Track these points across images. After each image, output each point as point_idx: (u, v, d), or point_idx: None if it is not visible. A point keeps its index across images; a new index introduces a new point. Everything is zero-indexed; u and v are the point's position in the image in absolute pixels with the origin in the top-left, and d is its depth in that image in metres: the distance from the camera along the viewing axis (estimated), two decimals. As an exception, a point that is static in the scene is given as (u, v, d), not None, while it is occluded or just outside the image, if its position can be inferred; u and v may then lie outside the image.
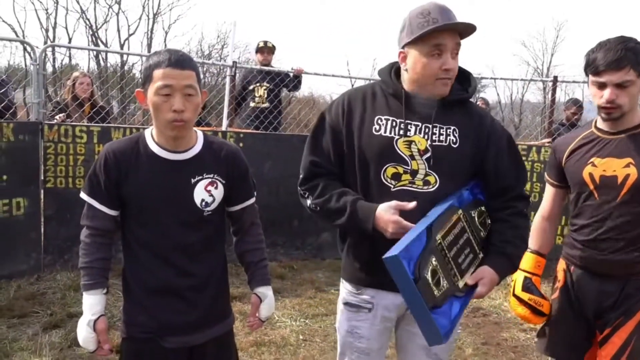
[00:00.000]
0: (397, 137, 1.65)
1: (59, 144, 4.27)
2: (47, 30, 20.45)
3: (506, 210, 1.72)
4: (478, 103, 7.58)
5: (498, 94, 26.05)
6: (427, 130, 1.64)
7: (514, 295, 2.06)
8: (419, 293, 1.40)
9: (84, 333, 1.60)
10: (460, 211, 1.63)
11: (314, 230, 5.11)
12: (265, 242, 1.86)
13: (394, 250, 1.41)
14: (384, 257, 1.41)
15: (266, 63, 5.91)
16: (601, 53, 1.78)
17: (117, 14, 21.29)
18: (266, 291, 1.78)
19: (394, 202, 1.59)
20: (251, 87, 5.90)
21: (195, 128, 1.68)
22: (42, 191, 4.28)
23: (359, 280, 1.77)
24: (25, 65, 17.54)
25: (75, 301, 3.74)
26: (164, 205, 1.60)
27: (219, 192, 1.66)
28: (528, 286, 2.03)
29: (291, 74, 5.79)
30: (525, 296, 2.02)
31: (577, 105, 5.91)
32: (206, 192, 1.64)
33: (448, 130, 1.65)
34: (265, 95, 5.81)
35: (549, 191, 2.12)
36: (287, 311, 3.86)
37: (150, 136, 1.64)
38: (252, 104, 5.87)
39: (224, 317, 1.75)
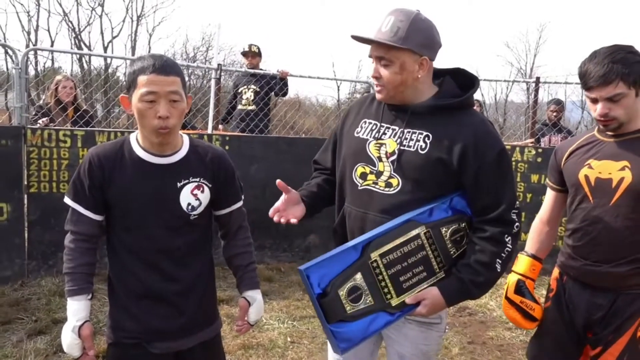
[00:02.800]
0: (370, 139, 1.73)
1: (43, 148, 4.22)
2: (29, 33, 20.19)
3: (478, 232, 1.65)
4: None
5: (482, 95, 26.30)
6: (400, 134, 1.68)
7: (506, 297, 2.03)
8: (319, 307, 1.50)
9: (69, 339, 1.59)
10: (422, 227, 1.60)
11: (301, 233, 5.11)
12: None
13: (306, 264, 1.51)
14: (298, 268, 1.53)
15: (252, 66, 5.93)
16: (591, 66, 1.76)
17: (101, 17, 21.08)
18: (255, 295, 1.78)
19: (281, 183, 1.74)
20: (239, 90, 5.92)
21: (180, 132, 1.68)
22: (25, 196, 4.23)
23: None
24: (7, 69, 17.32)
25: (60, 307, 3.70)
26: (149, 210, 1.59)
27: (205, 196, 1.66)
28: (521, 289, 2.00)
29: (277, 77, 5.80)
30: (517, 299, 1.99)
31: (558, 105, 6.00)
32: (192, 196, 1.63)
33: (420, 136, 1.65)
34: (252, 98, 5.82)
35: (549, 195, 2.10)
36: (275, 314, 3.86)
37: (136, 140, 1.63)
38: (239, 107, 5.90)
39: (210, 322, 1.75)
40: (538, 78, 5.80)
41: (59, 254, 4.32)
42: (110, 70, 19.39)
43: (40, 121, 4.59)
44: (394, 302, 1.55)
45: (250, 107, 5.81)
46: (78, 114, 4.84)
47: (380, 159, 1.69)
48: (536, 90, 5.78)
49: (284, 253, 5.12)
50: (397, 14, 1.62)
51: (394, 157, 1.66)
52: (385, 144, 1.69)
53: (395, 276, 1.56)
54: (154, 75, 1.50)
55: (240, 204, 1.79)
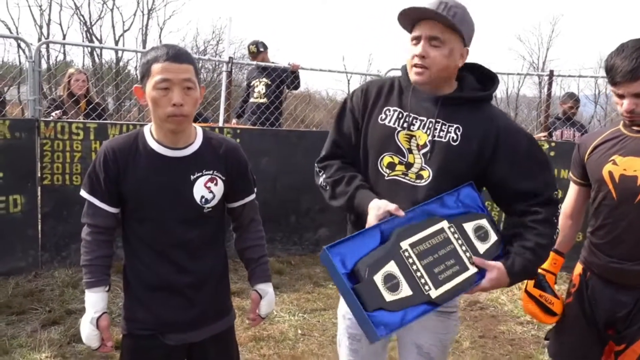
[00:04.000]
0: (399, 129, 1.68)
1: (56, 141, 4.26)
2: (41, 27, 20.32)
3: (531, 215, 1.63)
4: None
5: (494, 88, 26.03)
6: (430, 125, 1.65)
7: (525, 291, 2.01)
8: (349, 290, 1.39)
9: (87, 330, 1.60)
10: (444, 222, 1.57)
11: (312, 226, 5.12)
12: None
13: (329, 245, 1.43)
14: (323, 248, 1.43)
15: (261, 61, 5.94)
16: (618, 60, 1.72)
17: (112, 10, 21.16)
18: (266, 288, 1.78)
19: (385, 203, 1.58)
20: (252, 83, 5.95)
21: (194, 124, 1.68)
22: (39, 188, 4.27)
23: None
24: (20, 62, 17.47)
25: (73, 298, 3.74)
26: (163, 202, 1.60)
27: (218, 189, 1.67)
28: (540, 283, 1.98)
29: (289, 70, 5.79)
30: (537, 292, 1.97)
31: (573, 99, 5.94)
32: (206, 189, 1.64)
33: (450, 128, 1.64)
34: (264, 91, 5.84)
35: (572, 189, 2.06)
36: (286, 306, 3.88)
37: (149, 133, 1.64)
38: (251, 100, 5.93)
39: (224, 314, 1.76)
40: (552, 71, 5.73)
41: (72, 246, 4.37)
42: (121, 64, 19.48)
43: (53, 114, 4.63)
44: (434, 294, 1.47)
45: (261, 100, 5.84)
46: (90, 106, 4.87)
47: (410, 150, 1.67)
48: (549, 84, 5.71)
49: (294, 246, 5.13)
50: (451, 1, 1.60)
51: (426, 149, 1.64)
52: (415, 135, 1.66)
53: (429, 267, 1.49)
54: (167, 63, 1.51)
55: (252, 196, 1.79)
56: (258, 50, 5.98)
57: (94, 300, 1.61)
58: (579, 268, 2.01)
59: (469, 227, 1.61)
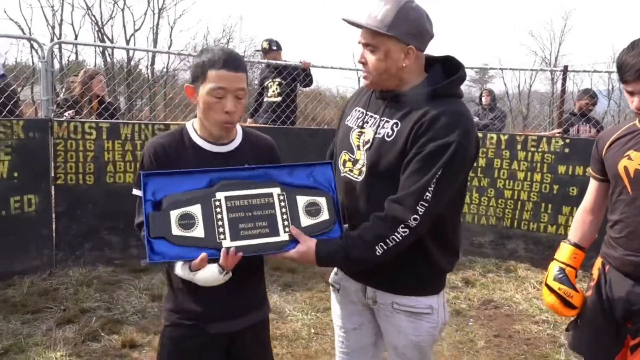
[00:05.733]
0: (354, 127, 1.77)
1: (69, 140, 4.29)
2: (53, 28, 20.52)
3: (379, 210, 1.59)
4: (483, 95, 7.49)
5: (505, 85, 25.91)
6: (378, 123, 1.70)
7: (546, 284, 2.04)
8: (145, 215, 1.50)
9: (209, 275, 1.52)
10: (277, 189, 1.61)
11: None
12: None
13: (145, 173, 1.55)
14: (139, 172, 1.57)
15: (272, 59, 5.93)
16: (628, 58, 1.71)
17: (123, 10, 21.32)
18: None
19: None
20: (266, 84, 5.97)
21: None
22: (52, 188, 4.30)
23: None
24: (33, 63, 17.64)
25: (87, 297, 3.77)
26: None
27: None
28: (560, 277, 2.00)
29: (299, 68, 5.78)
30: (556, 286, 1.99)
31: (588, 94, 5.85)
32: None
33: (388, 124, 1.67)
34: (278, 90, 5.85)
35: (592, 185, 2.08)
36: (299, 305, 3.87)
37: (193, 129, 1.70)
38: (266, 99, 5.97)
39: (261, 305, 1.80)
40: (566, 67, 5.65)
41: (86, 245, 4.40)
42: (132, 63, 19.59)
43: (66, 114, 4.66)
44: (226, 243, 1.51)
45: (276, 99, 5.86)
46: (103, 106, 4.89)
47: (358, 147, 1.73)
48: (564, 79, 5.64)
49: (306, 244, 5.11)
50: (387, 1, 1.61)
51: (367, 145, 1.69)
52: (364, 132, 1.72)
53: (235, 221, 1.54)
54: (224, 71, 1.55)
55: None
56: (270, 47, 5.96)
57: (178, 271, 1.57)
58: (598, 262, 2.03)
59: (301, 200, 1.63)
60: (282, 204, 1.61)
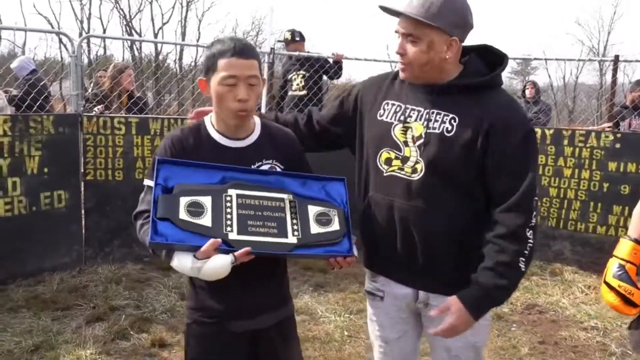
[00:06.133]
0: (395, 122, 1.70)
1: (98, 136, 4.38)
2: (81, 22, 21.05)
3: (496, 228, 1.58)
4: (526, 87, 7.34)
5: (550, 76, 25.33)
6: (426, 116, 1.65)
7: (605, 281, 1.98)
8: (154, 197, 1.52)
9: (218, 263, 1.49)
10: (290, 196, 1.63)
11: (357, 221, 5.07)
12: None
13: (166, 158, 1.60)
14: (153, 156, 1.61)
15: (293, 51, 5.90)
16: None
17: (151, 3, 21.72)
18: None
19: None
20: (289, 77, 5.94)
21: None
22: (82, 184, 4.41)
23: (371, 267, 1.87)
24: (61, 58, 18.13)
25: (117, 294, 3.85)
26: None
27: None
28: (619, 273, 1.94)
29: (331, 60, 5.76)
30: (615, 283, 1.93)
31: (640, 85, 5.66)
32: None
33: (445, 118, 1.62)
34: (302, 83, 5.82)
35: None
36: (331, 306, 3.86)
37: (210, 124, 1.71)
38: (290, 93, 5.94)
39: (285, 302, 1.80)
40: (617, 56, 5.47)
41: (115, 242, 4.49)
42: (160, 57, 19.93)
43: (95, 109, 4.76)
44: (232, 235, 1.52)
45: (301, 93, 5.83)
46: (132, 101, 4.98)
47: (406, 143, 1.68)
48: (614, 70, 5.46)
49: (338, 244, 5.10)
50: None
51: (421, 141, 1.64)
52: (411, 127, 1.67)
53: (244, 217, 1.56)
54: (234, 59, 1.56)
55: None
56: (293, 38, 5.90)
57: (180, 258, 1.54)
58: None
59: (313, 209, 1.65)
60: (293, 209, 1.63)
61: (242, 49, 1.57)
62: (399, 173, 1.68)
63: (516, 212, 1.57)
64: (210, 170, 1.61)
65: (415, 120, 1.66)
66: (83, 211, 4.43)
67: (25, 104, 4.65)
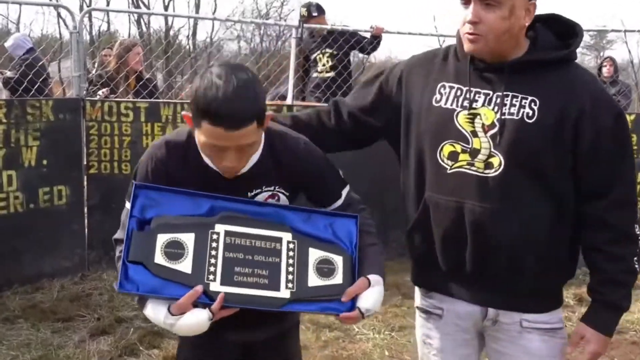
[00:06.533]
0: (458, 109, 1.64)
1: (103, 123, 4.44)
2: (83, -6, 21.40)
3: (602, 232, 1.60)
4: (604, 64, 7.17)
5: (630, 51, 24.64)
6: (497, 100, 1.59)
7: None
8: (128, 233, 1.50)
9: (197, 320, 1.49)
10: (289, 234, 1.59)
11: (399, 223, 5.03)
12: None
13: (139, 183, 1.57)
14: (132, 180, 1.59)
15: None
16: None
17: (161, -29, 21.92)
18: (377, 279, 1.64)
19: None
20: (313, 57, 5.87)
21: None
22: (84, 178, 4.48)
23: (424, 282, 1.85)
24: (61, 34, 18.52)
25: (123, 305, 3.92)
26: None
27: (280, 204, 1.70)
28: None
29: (368, 35, 5.72)
30: None
31: None
32: None
33: (524, 101, 1.57)
34: (330, 63, 5.77)
35: None
36: (369, 322, 3.84)
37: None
38: (314, 74, 5.86)
39: (286, 313, 1.74)
40: None
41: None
42: (172, 33, 20.15)
43: (99, 92, 4.81)
44: (213, 286, 1.48)
45: (328, 74, 5.77)
46: (140, 83, 5.03)
47: (475, 133, 1.62)
48: None
49: (377, 249, 5.09)
50: None
51: (494, 130, 1.59)
52: (479, 114, 1.61)
53: (230, 262, 1.51)
54: (221, 130, 1.43)
55: (346, 190, 1.76)
56: (310, 14, 5.73)
57: (154, 307, 1.55)
58: None
59: (314, 253, 1.60)
60: (291, 253, 1.58)
61: (231, 118, 1.41)
62: (469, 169, 1.62)
63: (621, 208, 1.59)
64: (198, 198, 1.57)
65: (483, 105, 1.61)
66: (86, 209, 4.50)
67: (22, 87, 4.75)
